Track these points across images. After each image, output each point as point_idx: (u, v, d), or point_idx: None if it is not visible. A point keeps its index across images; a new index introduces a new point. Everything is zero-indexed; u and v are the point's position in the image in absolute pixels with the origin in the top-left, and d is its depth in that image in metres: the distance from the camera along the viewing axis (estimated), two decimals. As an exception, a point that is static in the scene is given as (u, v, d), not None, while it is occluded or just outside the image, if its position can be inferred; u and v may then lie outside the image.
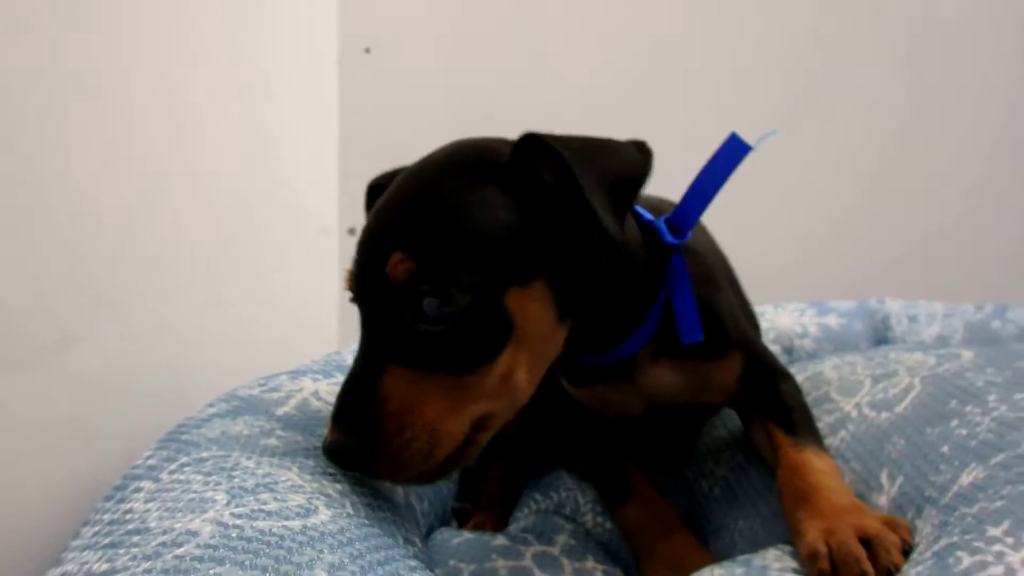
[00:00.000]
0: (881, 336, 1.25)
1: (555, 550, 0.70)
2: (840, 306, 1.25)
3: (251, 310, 1.26)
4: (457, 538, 0.72)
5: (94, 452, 0.72)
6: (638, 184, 0.56)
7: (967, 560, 0.41)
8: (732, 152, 0.61)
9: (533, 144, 0.55)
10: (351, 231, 1.53)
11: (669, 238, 0.63)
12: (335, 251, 1.52)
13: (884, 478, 0.62)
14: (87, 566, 0.37)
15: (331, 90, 1.47)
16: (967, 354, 0.73)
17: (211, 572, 0.31)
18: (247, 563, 0.32)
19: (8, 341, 0.71)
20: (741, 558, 0.57)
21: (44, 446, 0.71)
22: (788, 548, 0.58)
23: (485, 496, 0.89)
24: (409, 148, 1.59)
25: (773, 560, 0.55)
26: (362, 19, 1.51)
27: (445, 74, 1.53)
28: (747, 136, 0.61)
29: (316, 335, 1.45)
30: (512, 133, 0.58)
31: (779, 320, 1.21)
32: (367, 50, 1.52)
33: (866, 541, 0.49)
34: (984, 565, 0.40)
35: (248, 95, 1.23)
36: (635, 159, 0.56)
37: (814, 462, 0.60)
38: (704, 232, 0.80)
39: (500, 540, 0.72)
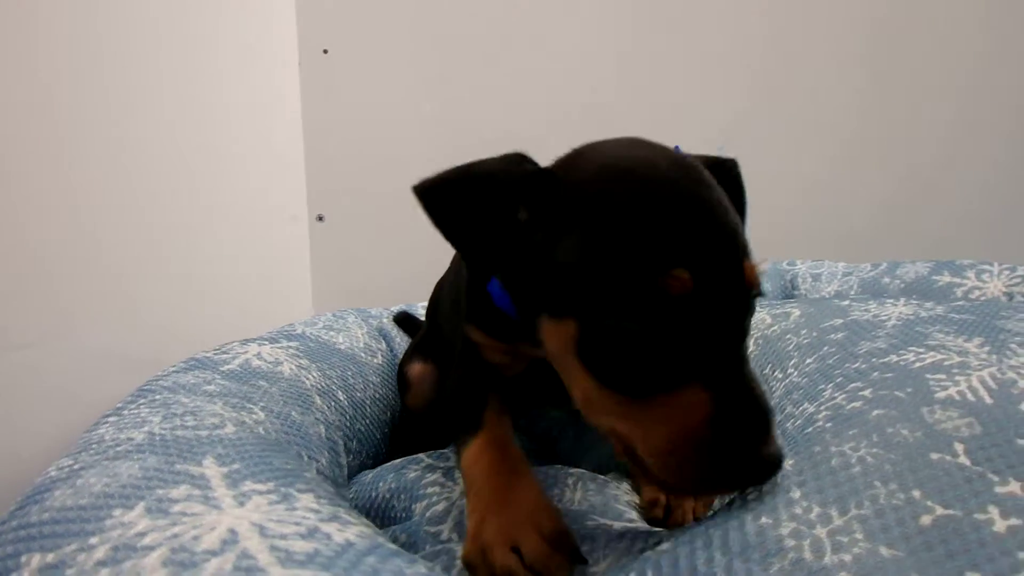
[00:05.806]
0: (788, 294, 1.38)
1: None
2: (755, 268, 1.39)
3: (231, 290, 1.41)
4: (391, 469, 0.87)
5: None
6: None
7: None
8: None
9: None
10: (319, 218, 1.67)
11: None
12: (305, 236, 1.67)
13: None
14: (61, 467, 0.54)
15: (293, 90, 1.60)
16: (795, 313, 0.85)
17: (134, 456, 0.48)
18: (159, 452, 0.49)
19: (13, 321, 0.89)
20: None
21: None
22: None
23: None
24: (369, 143, 1.72)
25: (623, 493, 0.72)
26: (319, 23, 1.62)
27: (399, 72, 1.64)
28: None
29: (290, 313, 1.59)
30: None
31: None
32: (325, 51, 1.63)
33: None
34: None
35: (216, 99, 1.37)
36: None
37: None
38: None
39: (424, 460, 0.85)
